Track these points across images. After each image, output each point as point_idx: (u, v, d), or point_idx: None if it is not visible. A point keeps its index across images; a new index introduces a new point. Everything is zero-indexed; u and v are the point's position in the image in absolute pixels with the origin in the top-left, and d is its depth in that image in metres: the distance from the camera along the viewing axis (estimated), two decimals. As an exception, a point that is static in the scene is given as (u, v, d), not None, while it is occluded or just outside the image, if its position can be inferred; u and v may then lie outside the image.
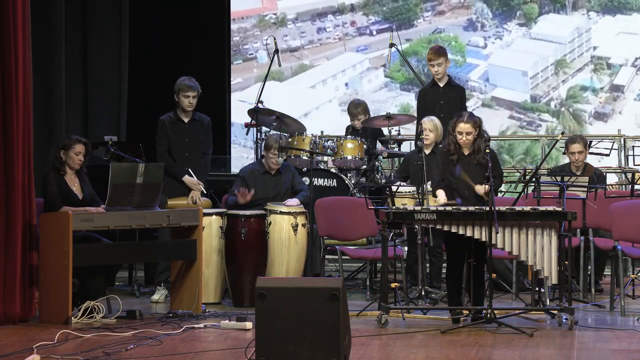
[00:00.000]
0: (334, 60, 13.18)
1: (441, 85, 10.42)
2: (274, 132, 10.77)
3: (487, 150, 8.41)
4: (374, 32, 13.27)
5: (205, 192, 9.99)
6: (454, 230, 8.26)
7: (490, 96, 12.77)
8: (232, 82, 13.44)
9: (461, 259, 8.48)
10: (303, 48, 13.37)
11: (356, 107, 11.04)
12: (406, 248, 9.82)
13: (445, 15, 13.07)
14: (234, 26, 13.46)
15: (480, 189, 8.46)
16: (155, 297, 9.74)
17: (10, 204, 8.48)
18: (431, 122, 9.79)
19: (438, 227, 8.36)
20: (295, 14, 13.39)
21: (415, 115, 10.70)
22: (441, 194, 8.56)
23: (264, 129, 11.00)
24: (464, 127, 8.50)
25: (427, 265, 9.83)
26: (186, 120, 9.96)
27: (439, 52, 10.38)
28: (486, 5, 13.07)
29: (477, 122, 8.53)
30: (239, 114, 13.36)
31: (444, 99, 10.37)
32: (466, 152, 8.55)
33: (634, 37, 12.83)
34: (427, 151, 9.76)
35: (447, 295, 8.74)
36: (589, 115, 12.81)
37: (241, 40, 13.45)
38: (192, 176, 9.93)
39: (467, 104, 11.24)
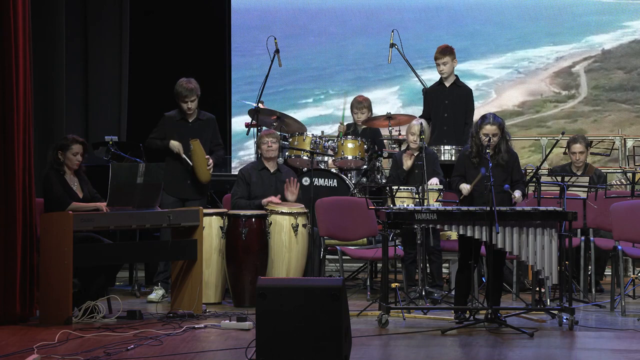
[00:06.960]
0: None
1: (447, 84, 10.42)
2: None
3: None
4: None
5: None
6: (454, 230, 8.26)
7: None
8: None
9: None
10: None
11: (360, 103, 11.09)
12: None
13: None
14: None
15: (517, 197, 8.49)
16: (152, 296, 9.73)
17: (10, 204, 8.47)
18: (418, 126, 9.72)
19: (439, 227, 8.36)
20: None
21: (417, 115, 10.70)
22: (464, 185, 8.56)
23: (264, 129, 10.99)
24: (490, 129, 8.46)
25: (427, 265, 9.81)
26: (190, 119, 9.93)
27: (445, 51, 10.37)
28: None
29: (501, 124, 8.51)
30: (239, 114, 13.37)
31: (449, 98, 10.37)
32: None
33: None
34: (416, 153, 9.75)
35: (454, 295, 8.73)
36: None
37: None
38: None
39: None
